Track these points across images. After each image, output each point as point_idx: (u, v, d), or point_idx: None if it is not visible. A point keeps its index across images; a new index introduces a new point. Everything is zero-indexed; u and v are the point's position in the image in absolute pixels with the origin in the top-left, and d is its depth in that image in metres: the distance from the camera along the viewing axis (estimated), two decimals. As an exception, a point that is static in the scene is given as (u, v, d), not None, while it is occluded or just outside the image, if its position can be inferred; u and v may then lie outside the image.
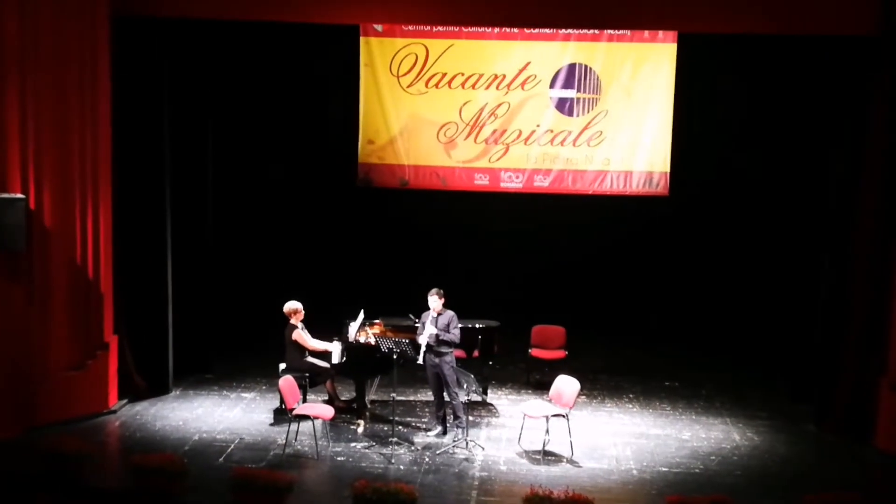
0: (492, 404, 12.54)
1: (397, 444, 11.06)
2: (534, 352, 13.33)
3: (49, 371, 11.30)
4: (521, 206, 14.86)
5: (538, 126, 14.62)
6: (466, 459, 10.77)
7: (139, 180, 12.27)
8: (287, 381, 11.08)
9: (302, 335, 11.72)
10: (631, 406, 12.78)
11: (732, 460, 11.06)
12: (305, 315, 11.86)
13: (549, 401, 11.30)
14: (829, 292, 12.18)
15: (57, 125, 11.07)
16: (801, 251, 13.10)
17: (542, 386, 12.57)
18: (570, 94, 14.57)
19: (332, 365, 11.85)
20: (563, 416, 10.97)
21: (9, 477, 9.83)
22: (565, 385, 11.13)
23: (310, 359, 11.85)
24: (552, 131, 14.63)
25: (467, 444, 11.05)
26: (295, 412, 10.90)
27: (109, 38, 11.70)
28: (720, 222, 14.97)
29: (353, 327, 11.84)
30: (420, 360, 11.24)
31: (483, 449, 11.07)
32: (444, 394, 11.37)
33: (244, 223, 15.01)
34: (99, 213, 11.66)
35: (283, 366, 11.87)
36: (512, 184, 14.77)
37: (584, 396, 12.18)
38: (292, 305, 11.83)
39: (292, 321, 11.77)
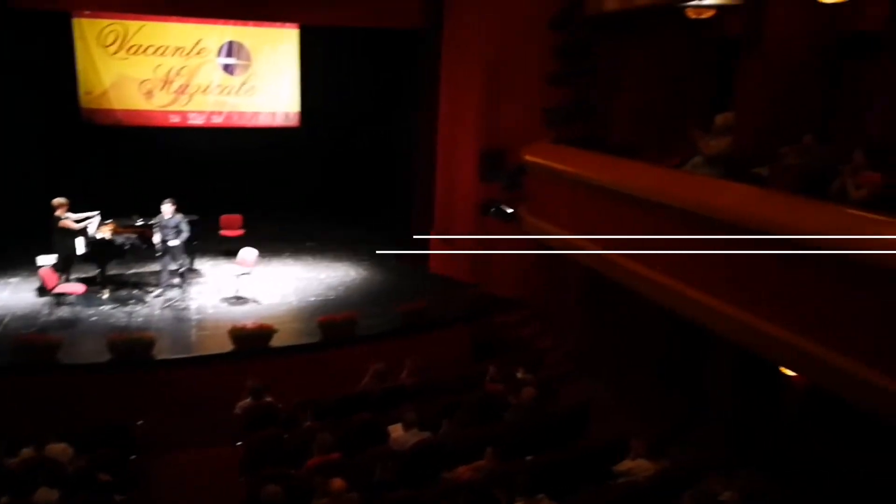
0: (198, 269, 11.74)
1: (134, 303, 10.21)
2: (223, 232, 12.70)
3: None
4: (205, 136, 13.75)
5: (211, 82, 13.69)
6: (184, 308, 10.21)
7: None
8: (44, 269, 9.69)
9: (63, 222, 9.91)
10: (288, 261, 12.52)
11: (353, 287, 11.37)
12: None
13: (238, 264, 10.87)
14: (409, 185, 12.64)
15: None
16: (394, 159, 13.16)
17: (231, 253, 11.81)
18: (232, 61, 13.81)
19: (78, 255, 10.12)
20: (248, 273, 10.74)
21: None
22: (246, 253, 10.93)
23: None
24: (221, 86, 13.73)
25: (182, 298, 10.42)
26: (54, 291, 9.60)
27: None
28: (336, 140, 14.68)
29: (92, 226, 10.22)
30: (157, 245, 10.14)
31: (194, 300, 10.46)
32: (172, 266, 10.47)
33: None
34: None
35: (39, 257, 10.12)
36: (197, 121, 13.70)
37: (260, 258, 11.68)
38: (58, 200, 9.90)
39: (57, 213, 9.89)
